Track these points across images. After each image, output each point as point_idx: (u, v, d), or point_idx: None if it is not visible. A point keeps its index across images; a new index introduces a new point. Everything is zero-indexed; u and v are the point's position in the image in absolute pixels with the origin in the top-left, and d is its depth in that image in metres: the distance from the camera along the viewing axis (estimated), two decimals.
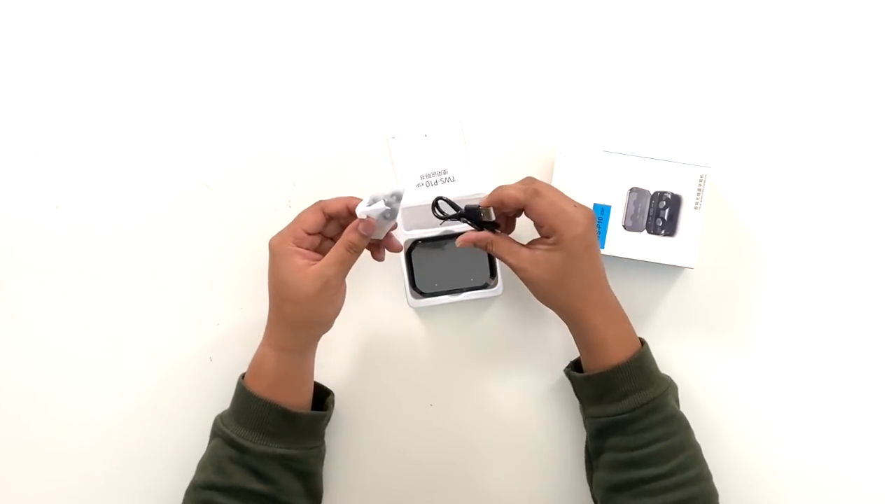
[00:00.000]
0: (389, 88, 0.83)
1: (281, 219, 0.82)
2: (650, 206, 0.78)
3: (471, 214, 0.73)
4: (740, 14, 0.81)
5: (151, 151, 0.83)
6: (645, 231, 0.78)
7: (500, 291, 0.81)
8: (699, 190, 0.77)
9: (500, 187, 0.72)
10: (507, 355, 0.84)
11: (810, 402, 0.82)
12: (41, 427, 0.84)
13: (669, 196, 0.78)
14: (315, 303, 0.71)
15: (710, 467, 0.74)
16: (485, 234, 0.72)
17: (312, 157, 0.83)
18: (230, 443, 0.72)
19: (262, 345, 0.74)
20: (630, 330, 0.74)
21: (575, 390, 0.78)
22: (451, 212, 0.73)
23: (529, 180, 0.72)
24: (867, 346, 0.82)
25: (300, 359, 0.74)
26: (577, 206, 0.71)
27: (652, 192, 0.78)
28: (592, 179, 0.78)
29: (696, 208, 0.77)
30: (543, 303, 0.74)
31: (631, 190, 0.78)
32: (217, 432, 0.74)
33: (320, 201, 0.73)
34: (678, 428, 0.73)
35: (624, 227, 0.78)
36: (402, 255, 0.80)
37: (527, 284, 0.73)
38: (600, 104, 0.82)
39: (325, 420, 0.77)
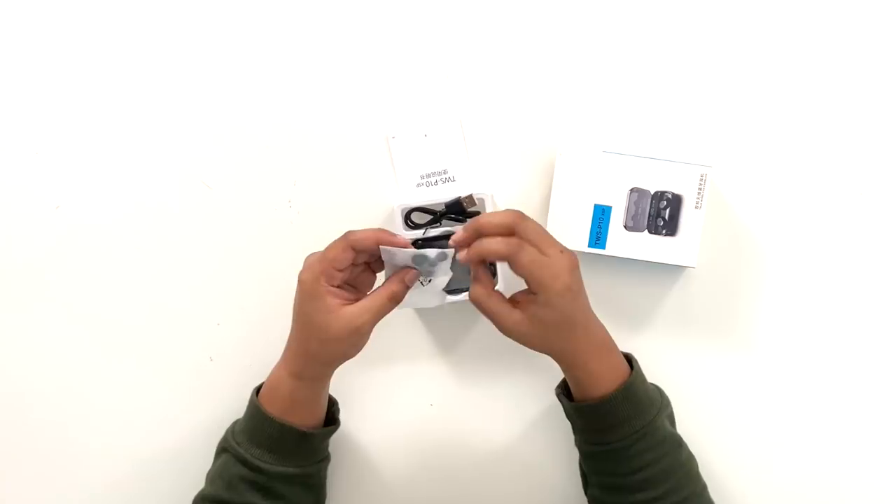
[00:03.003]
0: (389, 88, 0.83)
1: (281, 219, 0.83)
2: (651, 206, 0.78)
3: (453, 209, 0.73)
4: (740, 14, 0.81)
5: (151, 151, 0.83)
6: (646, 231, 0.78)
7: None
8: (700, 189, 0.77)
9: (482, 240, 0.67)
10: (508, 355, 0.83)
11: (812, 401, 0.82)
12: (39, 427, 0.84)
13: (670, 196, 0.78)
14: (343, 344, 0.69)
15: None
16: (480, 288, 0.69)
17: (312, 157, 0.83)
18: (242, 461, 0.72)
19: (279, 367, 0.73)
20: (617, 358, 0.73)
21: (566, 415, 0.77)
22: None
23: (512, 219, 0.67)
24: (868, 346, 0.82)
25: (318, 385, 0.73)
26: (563, 251, 0.67)
27: (652, 192, 0.78)
28: (593, 180, 0.78)
29: (696, 208, 0.77)
30: (531, 348, 0.71)
31: (631, 190, 0.78)
32: (228, 448, 0.73)
33: (349, 236, 0.68)
34: (669, 449, 0.72)
35: (625, 227, 0.78)
36: None
37: (515, 339, 0.70)
38: (600, 105, 0.82)
39: (334, 432, 0.77)
